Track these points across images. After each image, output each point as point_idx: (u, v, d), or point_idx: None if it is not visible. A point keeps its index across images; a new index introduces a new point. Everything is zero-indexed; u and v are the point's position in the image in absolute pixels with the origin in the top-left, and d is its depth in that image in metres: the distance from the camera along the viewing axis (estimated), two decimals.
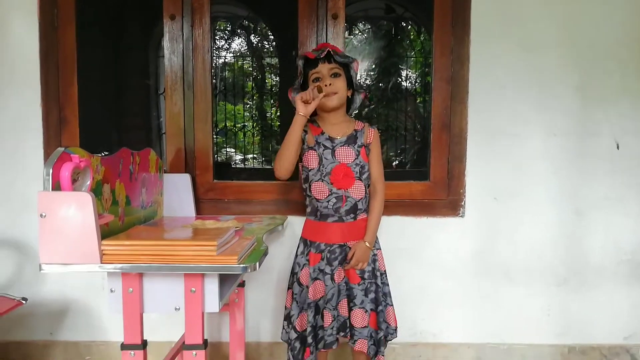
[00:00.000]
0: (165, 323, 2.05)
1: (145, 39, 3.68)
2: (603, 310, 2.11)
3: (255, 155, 6.70)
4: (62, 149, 1.27)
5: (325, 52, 1.62)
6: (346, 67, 1.68)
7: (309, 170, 1.67)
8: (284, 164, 1.62)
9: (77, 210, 1.22)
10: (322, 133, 1.68)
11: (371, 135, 1.71)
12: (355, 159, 1.66)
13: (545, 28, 2.01)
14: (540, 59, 2.02)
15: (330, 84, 1.62)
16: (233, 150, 6.60)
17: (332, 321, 1.65)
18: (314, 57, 1.63)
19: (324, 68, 1.63)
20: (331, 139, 1.67)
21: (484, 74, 2.01)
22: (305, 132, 1.67)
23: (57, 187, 1.24)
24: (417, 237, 2.08)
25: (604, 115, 2.04)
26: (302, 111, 1.58)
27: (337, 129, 1.68)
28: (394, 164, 5.65)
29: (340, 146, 1.67)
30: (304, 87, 1.69)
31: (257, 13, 4.80)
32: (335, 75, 1.64)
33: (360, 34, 5.66)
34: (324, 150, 1.66)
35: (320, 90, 1.59)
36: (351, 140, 1.68)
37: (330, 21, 1.98)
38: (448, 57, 2.00)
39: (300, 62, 1.67)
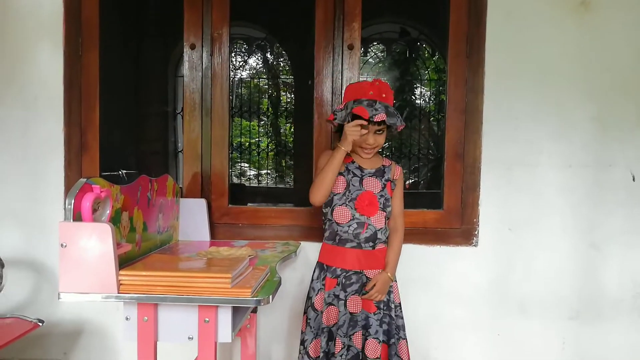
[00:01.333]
0: (178, 347, 2.06)
1: (165, 64, 3.77)
2: (618, 345, 2.07)
3: (269, 171, 6.75)
4: (84, 180, 1.31)
5: (379, 117, 1.57)
6: None
7: (334, 195, 1.70)
8: (322, 192, 1.66)
9: (97, 241, 1.25)
10: (353, 162, 1.73)
11: (397, 172, 1.77)
12: (381, 190, 1.71)
13: (560, 59, 2.01)
14: (556, 89, 2.02)
15: (374, 141, 1.66)
16: (247, 165, 6.66)
17: (342, 348, 1.65)
18: (367, 118, 1.58)
19: (372, 128, 1.64)
20: (361, 169, 1.72)
21: (499, 105, 2.02)
22: None
23: (78, 217, 1.28)
24: (430, 265, 2.08)
25: (620, 147, 2.03)
26: (347, 148, 1.61)
27: (367, 162, 1.73)
28: (407, 182, 5.65)
29: (369, 176, 1.72)
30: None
31: (273, 35, 4.89)
32: (380, 131, 1.67)
33: (374, 54, 5.71)
34: (352, 177, 1.70)
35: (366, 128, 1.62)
36: (379, 173, 1.73)
37: (346, 52, 2.02)
38: (462, 87, 2.01)
39: (349, 112, 1.62)
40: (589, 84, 2.01)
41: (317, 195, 1.67)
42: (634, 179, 2.03)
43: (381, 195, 1.70)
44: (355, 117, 1.61)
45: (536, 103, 2.02)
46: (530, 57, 2.01)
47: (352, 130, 1.60)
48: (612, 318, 2.06)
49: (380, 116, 1.57)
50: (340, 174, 1.69)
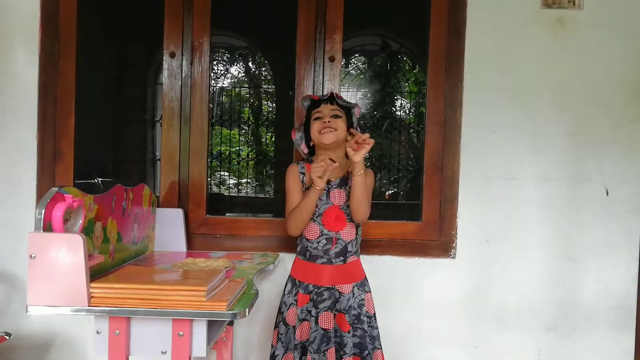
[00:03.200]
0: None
1: (144, 71, 3.73)
2: (593, 356, 2.09)
3: (249, 180, 6.70)
4: (56, 189, 1.28)
5: (328, 95, 1.73)
6: (347, 110, 1.74)
7: None
8: (298, 227, 1.68)
9: (68, 252, 1.22)
10: None
11: None
12: (347, 200, 1.69)
13: (538, 75, 2.05)
14: (533, 105, 2.05)
15: (329, 121, 1.67)
16: (227, 174, 6.61)
17: None
18: (317, 99, 1.72)
19: (325, 108, 1.70)
20: (327, 181, 1.69)
21: (477, 119, 2.04)
22: (303, 173, 1.71)
23: (48, 227, 1.24)
24: (408, 277, 2.07)
25: (595, 162, 2.07)
26: (320, 186, 1.61)
27: (333, 172, 1.69)
28: (387, 193, 5.67)
29: (335, 188, 1.70)
30: (306, 126, 1.75)
31: (255, 45, 4.89)
32: (336, 116, 1.70)
33: (355, 65, 5.75)
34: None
35: (333, 161, 1.62)
36: (343, 182, 1.71)
37: (328, 63, 2.02)
38: (442, 102, 2.03)
39: (305, 103, 1.76)
40: (566, 100, 2.05)
41: (294, 229, 1.69)
42: (607, 194, 2.07)
43: (347, 206, 1.69)
44: (309, 117, 1.71)
45: (514, 118, 2.05)
46: (509, 73, 2.05)
47: (316, 168, 1.59)
48: (587, 330, 2.09)
49: (330, 94, 1.71)
50: (308, 188, 1.67)
